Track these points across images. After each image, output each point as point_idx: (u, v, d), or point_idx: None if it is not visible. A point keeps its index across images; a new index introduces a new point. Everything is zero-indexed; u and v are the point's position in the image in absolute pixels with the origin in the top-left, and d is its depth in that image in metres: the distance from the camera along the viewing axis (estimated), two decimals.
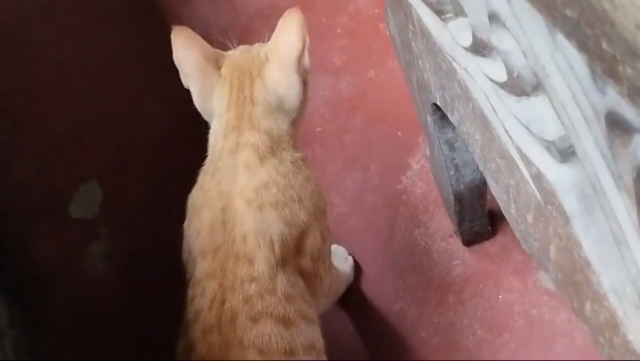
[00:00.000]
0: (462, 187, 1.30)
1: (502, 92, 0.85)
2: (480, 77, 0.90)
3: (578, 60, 0.66)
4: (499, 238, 1.45)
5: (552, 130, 0.78)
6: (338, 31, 1.72)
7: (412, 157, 1.56)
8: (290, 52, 1.11)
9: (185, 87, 1.15)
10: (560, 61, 0.69)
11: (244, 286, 1.05)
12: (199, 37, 1.15)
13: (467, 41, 0.88)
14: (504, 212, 1.03)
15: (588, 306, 0.85)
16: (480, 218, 1.40)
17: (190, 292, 1.09)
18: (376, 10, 1.71)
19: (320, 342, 1.10)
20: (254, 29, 1.71)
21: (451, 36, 0.94)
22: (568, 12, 0.59)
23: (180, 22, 1.18)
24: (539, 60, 0.72)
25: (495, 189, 1.03)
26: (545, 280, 1.39)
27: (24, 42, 1.84)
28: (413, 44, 1.11)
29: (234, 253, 1.06)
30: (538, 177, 0.85)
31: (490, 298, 1.41)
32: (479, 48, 0.87)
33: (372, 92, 1.64)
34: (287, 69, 1.12)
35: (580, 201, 0.81)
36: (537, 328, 1.36)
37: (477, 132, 0.99)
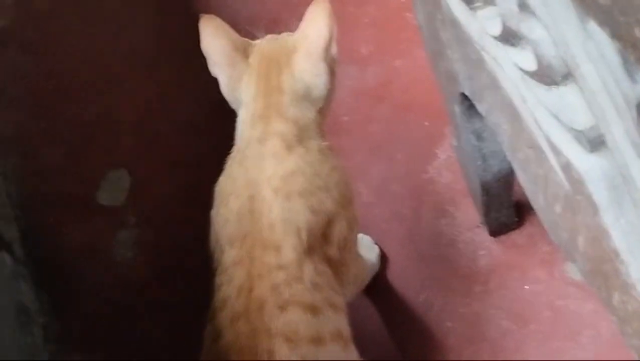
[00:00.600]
0: (489, 177, 1.30)
1: (531, 81, 0.85)
2: (509, 66, 0.90)
3: (610, 49, 0.65)
4: (526, 228, 1.44)
5: (582, 120, 0.78)
6: (365, 21, 1.72)
7: (439, 146, 1.55)
8: (317, 41, 1.12)
9: (213, 75, 1.16)
10: (592, 50, 0.69)
11: (271, 274, 1.05)
12: (227, 26, 1.15)
13: (497, 30, 0.88)
14: (531, 202, 1.03)
15: (616, 296, 0.85)
16: (507, 208, 1.40)
17: (217, 280, 1.10)
18: (403, 0, 1.71)
19: (347, 330, 1.10)
20: (282, 19, 1.71)
21: (480, 25, 0.94)
22: (601, 0, 0.59)
23: (208, 12, 1.18)
24: (569, 48, 0.72)
25: (523, 179, 1.03)
26: (572, 272, 1.39)
27: (54, 31, 1.85)
28: (441, 33, 1.11)
29: (262, 242, 1.07)
30: (567, 167, 0.85)
31: (516, 289, 1.40)
32: (509, 37, 0.86)
33: (398, 81, 1.64)
34: (315, 58, 1.12)
35: (610, 191, 0.81)
36: (562, 320, 1.36)
37: (506, 121, 0.99)
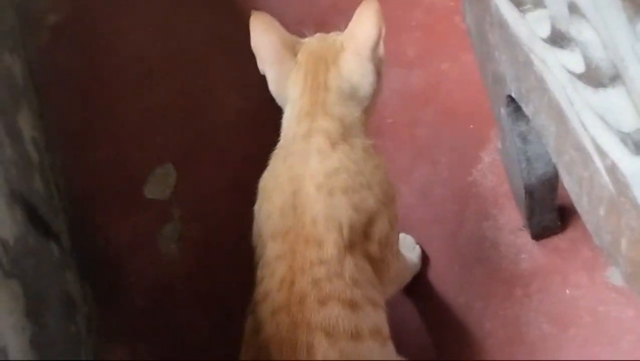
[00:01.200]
0: (533, 180, 1.30)
1: (579, 83, 0.86)
2: (557, 68, 0.90)
3: None
4: (569, 233, 1.44)
5: (629, 122, 0.78)
6: (413, 24, 1.73)
7: (484, 150, 1.56)
8: (365, 41, 1.13)
9: (261, 72, 1.17)
10: None
11: (313, 269, 1.06)
12: (277, 23, 1.17)
13: (546, 32, 0.89)
14: (575, 205, 1.03)
15: None
16: (550, 212, 1.40)
17: (259, 273, 1.11)
18: (452, 4, 1.71)
19: (386, 327, 1.11)
20: (329, 22, 1.72)
21: (529, 27, 0.94)
22: None
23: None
24: (618, 50, 0.72)
25: (568, 182, 1.03)
26: (613, 277, 1.38)
27: (104, 30, 1.89)
28: (490, 35, 1.12)
29: (304, 237, 1.08)
30: (612, 169, 0.85)
31: (557, 293, 1.40)
32: (558, 39, 0.87)
33: (444, 85, 1.65)
34: (362, 57, 1.13)
35: None
36: (603, 325, 1.35)
37: (552, 123, 0.99)
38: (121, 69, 1.81)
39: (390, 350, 1.11)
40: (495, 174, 1.52)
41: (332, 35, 1.19)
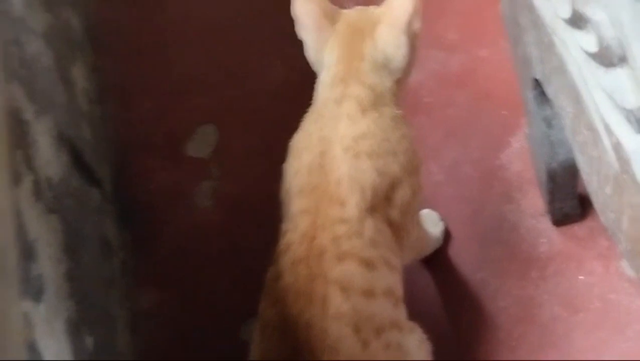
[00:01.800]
0: (555, 164, 1.34)
1: (593, 63, 0.90)
2: (575, 48, 0.94)
3: None
4: (588, 222, 1.48)
5: (632, 99, 0.82)
6: (455, 9, 1.77)
7: (513, 136, 1.60)
8: (401, 14, 1.18)
9: (299, 38, 1.23)
10: None
11: (334, 227, 1.12)
12: None
13: (567, 13, 0.93)
14: (586, 185, 1.07)
15: None
16: (571, 199, 1.43)
17: (284, 226, 1.17)
18: None
19: (399, 290, 1.16)
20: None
21: (553, 9, 0.99)
22: None
23: None
24: (623, 28, 0.77)
25: (581, 162, 1.07)
26: (627, 268, 1.42)
27: None
28: (520, 18, 1.16)
29: (328, 195, 1.14)
30: (617, 147, 0.89)
31: (571, 278, 1.44)
32: (577, 20, 0.91)
33: (481, 70, 1.69)
34: (397, 30, 1.19)
35: None
36: (612, 312, 1.39)
37: (570, 104, 1.04)
38: (169, 27, 1.86)
39: (401, 311, 1.16)
40: (522, 161, 1.56)
41: (370, 8, 1.25)
